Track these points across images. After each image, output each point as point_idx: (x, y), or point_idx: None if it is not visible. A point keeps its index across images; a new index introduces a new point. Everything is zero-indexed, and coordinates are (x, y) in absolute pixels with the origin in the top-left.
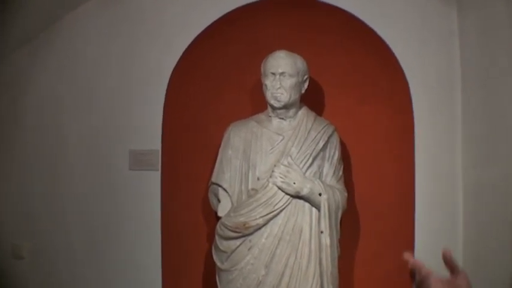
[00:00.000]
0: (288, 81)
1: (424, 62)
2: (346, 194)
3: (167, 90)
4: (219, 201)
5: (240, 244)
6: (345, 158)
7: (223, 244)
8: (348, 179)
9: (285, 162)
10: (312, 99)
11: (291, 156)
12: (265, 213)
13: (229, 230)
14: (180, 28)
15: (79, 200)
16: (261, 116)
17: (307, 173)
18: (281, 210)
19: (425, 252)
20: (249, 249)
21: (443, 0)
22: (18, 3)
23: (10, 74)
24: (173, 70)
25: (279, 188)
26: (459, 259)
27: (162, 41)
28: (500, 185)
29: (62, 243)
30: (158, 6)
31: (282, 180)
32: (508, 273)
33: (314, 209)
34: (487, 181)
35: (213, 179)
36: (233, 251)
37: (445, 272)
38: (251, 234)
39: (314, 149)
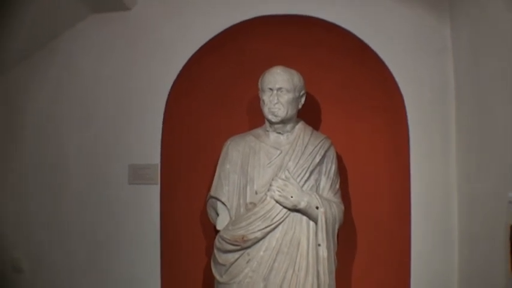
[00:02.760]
0: (285, 97)
1: (419, 77)
2: (343, 207)
3: (166, 105)
4: (217, 214)
5: (239, 257)
6: (342, 171)
7: (221, 257)
8: (344, 192)
9: (283, 176)
10: (308, 114)
11: (288, 170)
12: (263, 227)
13: (228, 243)
14: (178, 44)
15: (79, 214)
16: (259, 130)
17: (305, 187)
18: (279, 224)
19: (422, 264)
20: (247, 262)
21: (437, 17)
22: (17, 20)
23: (10, 89)
24: (172, 85)
25: (277, 202)
26: (454, 270)
27: (161, 56)
28: (494, 196)
29: (62, 256)
30: (157, 23)
31: (279, 194)
32: (502, 282)
33: (311, 222)
34: (481, 193)
35: (212, 193)
36: (231, 264)
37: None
38: (249, 247)
39: (311, 163)
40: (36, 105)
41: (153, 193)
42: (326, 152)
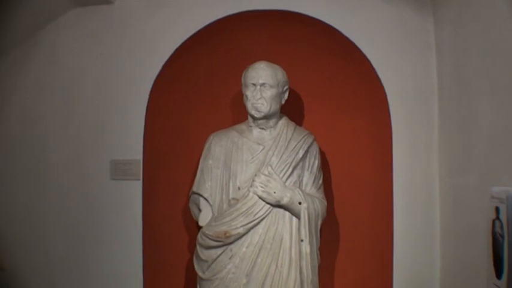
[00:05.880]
0: (269, 92)
1: (402, 73)
2: (325, 203)
3: (149, 100)
4: (200, 210)
5: (221, 253)
6: (325, 167)
7: (204, 253)
8: (327, 188)
9: (266, 172)
10: (292, 109)
11: (271, 166)
12: (246, 222)
13: (210, 239)
14: (161, 39)
15: (60, 209)
16: (242, 126)
17: (287, 182)
18: (262, 219)
19: (404, 260)
20: (230, 258)
21: (420, 12)
22: None
23: None
24: (155, 80)
25: (260, 197)
26: (437, 265)
27: (144, 51)
28: (476, 192)
29: (43, 253)
30: (140, 16)
31: (262, 189)
32: (484, 278)
33: (294, 218)
34: (464, 188)
35: (194, 189)
36: (214, 260)
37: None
38: (232, 243)
39: (294, 158)
40: (18, 100)
41: (135, 189)
42: (309, 147)
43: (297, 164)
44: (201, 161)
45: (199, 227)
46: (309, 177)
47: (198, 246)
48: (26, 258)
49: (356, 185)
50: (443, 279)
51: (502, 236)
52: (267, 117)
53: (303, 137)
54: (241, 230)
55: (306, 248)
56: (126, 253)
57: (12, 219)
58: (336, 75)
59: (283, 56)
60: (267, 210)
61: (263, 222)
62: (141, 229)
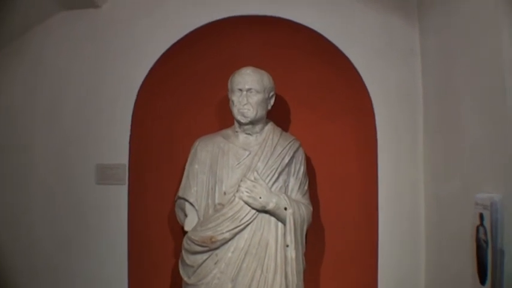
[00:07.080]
0: (255, 98)
1: (387, 79)
2: (311, 208)
3: (135, 104)
4: (185, 215)
5: (207, 258)
6: (310, 172)
7: (189, 258)
8: (313, 193)
9: (251, 177)
10: (278, 115)
11: (257, 171)
12: (231, 228)
13: (196, 244)
14: (148, 43)
15: (45, 214)
16: (228, 131)
17: (273, 188)
18: (247, 225)
19: (389, 265)
20: (215, 263)
21: (405, 20)
22: None
23: None
24: (141, 84)
25: (245, 203)
26: (421, 270)
27: (130, 55)
28: (460, 198)
29: (28, 257)
30: (128, 20)
31: (248, 194)
32: (468, 284)
33: (280, 223)
34: (448, 194)
35: (180, 194)
36: (200, 265)
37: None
38: (218, 248)
39: (280, 164)
40: (3, 102)
41: (121, 193)
42: (295, 153)
43: (283, 170)
44: (186, 166)
45: (185, 232)
46: (295, 183)
47: (183, 251)
48: (10, 261)
49: (341, 190)
50: (427, 285)
51: (486, 242)
52: (253, 122)
53: (289, 142)
54: (226, 235)
55: (291, 253)
56: (111, 258)
57: None
58: (322, 82)
59: (270, 62)
60: (253, 215)
61: (249, 228)
62: (126, 234)
